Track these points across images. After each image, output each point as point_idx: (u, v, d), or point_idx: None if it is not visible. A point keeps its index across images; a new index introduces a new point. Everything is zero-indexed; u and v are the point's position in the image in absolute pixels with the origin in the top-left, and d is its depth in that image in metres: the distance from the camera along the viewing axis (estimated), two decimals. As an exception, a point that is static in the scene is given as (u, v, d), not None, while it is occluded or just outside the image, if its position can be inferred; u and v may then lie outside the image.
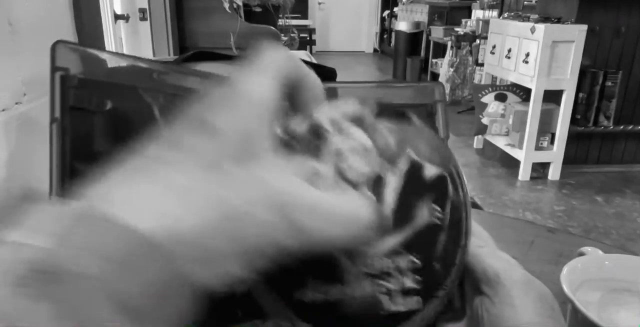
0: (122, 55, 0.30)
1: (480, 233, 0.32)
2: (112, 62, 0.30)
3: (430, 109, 0.35)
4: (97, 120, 0.29)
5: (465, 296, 0.33)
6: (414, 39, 6.17)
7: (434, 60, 5.62)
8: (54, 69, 0.27)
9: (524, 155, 2.90)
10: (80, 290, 0.15)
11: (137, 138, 0.25)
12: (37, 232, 0.16)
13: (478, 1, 4.71)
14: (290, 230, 0.20)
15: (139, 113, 0.30)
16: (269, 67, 0.23)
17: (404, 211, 0.26)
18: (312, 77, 0.24)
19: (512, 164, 3.07)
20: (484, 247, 0.31)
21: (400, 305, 0.26)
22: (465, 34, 4.64)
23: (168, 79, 0.31)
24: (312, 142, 0.23)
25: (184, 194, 0.19)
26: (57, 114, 0.27)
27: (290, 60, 0.23)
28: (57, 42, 0.27)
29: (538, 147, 2.90)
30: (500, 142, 3.12)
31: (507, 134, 3.11)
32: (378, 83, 0.36)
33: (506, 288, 0.29)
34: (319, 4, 8.57)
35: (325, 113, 0.24)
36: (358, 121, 0.25)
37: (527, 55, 2.79)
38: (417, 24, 6.22)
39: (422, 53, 6.17)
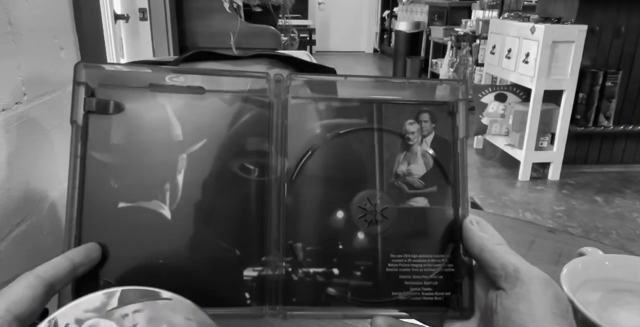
0: (136, 65, 0.34)
1: (493, 233, 0.33)
2: (127, 71, 0.34)
3: (452, 107, 0.36)
4: (115, 120, 0.33)
5: (474, 296, 0.33)
6: (414, 39, 6.17)
7: (434, 61, 5.62)
8: (75, 83, 0.33)
9: (524, 156, 2.90)
10: None
11: (152, 132, 0.33)
12: None
13: (478, 1, 4.71)
14: None
15: (153, 112, 0.33)
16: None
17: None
18: None
19: (512, 164, 3.07)
20: (502, 245, 0.31)
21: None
22: (465, 34, 4.64)
23: (179, 80, 0.34)
24: None
25: None
26: (76, 118, 0.32)
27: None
28: (78, 62, 0.33)
29: (538, 147, 2.90)
30: (500, 142, 3.12)
31: (507, 134, 3.10)
32: (401, 79, 0.36)
33: (525, 283, 0.29)
34: (319, 4, 8.57)
35: (68, 313, 0.26)
36: (102, 312, 0.27)
37: (527, 55, 2.79)
38: (417, 24, 6.22)
39: (422, 53, 6.16)
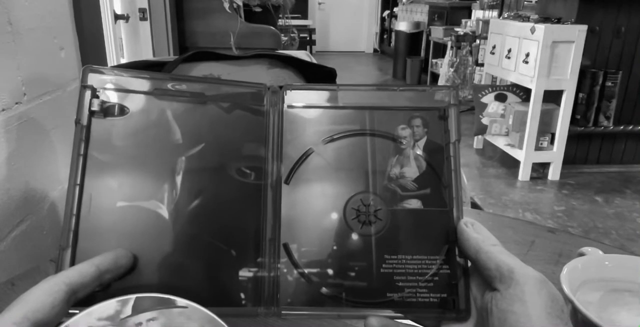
0: (141, 72, 0.35)
1: (488, 235, 0.33)
2: (133, 76, 0.35)
3: (443, 112, 0.36)
4: (117, 122, 0.34)
5: (470, 298, 0.33)
6: (414, 39, 6.17)
7: (434, 61, 5.62)
8: (81, 86, 0.34)
9: (524, 156, 2.90)
10: None
11: (153, 135, 0.34)
12: None
13: (478, 1, 4.71)
14: None
15: (154, 116, 0.35)
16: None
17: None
18: None
19: (512, 164, 3.07)
20: (497, 246, 0.31)
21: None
22: (465, 34, 4.64)
23: (180, 86, 0.35)
24: None
25: None
26: (81, 118, 0.33)
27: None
28: (86, 66, 0.34)
29: (538, 148, 2.90)
30: (500, 142, 3.12)
31: (507, 134, 3.10)
32: (393, 86, 0.37)
33: (519, 284, 0.29)
34: (319, 4, 8.57)
35: (80, 321, 0.26)
36: (115, 320, 0.26)
37: (527, 55, 2.79)
38: (417, 24, 6.22)
39: (422, 53, 6.16)
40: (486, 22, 3.93)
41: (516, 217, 2.26)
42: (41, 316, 0.25)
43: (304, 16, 7.84)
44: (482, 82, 3.51)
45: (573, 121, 2.85)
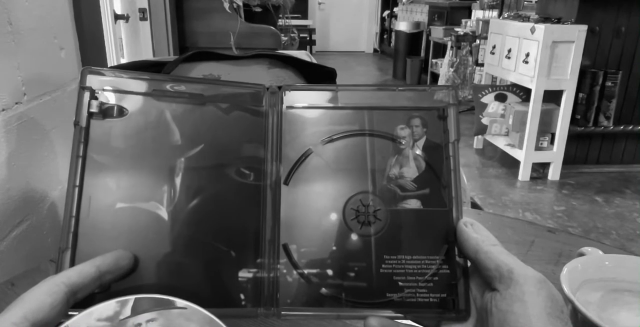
0: (139, 73, 0.35)
1: (488, 235, 0.33)
2: (131, 77, 0.35)
3: (442, 112, 0.36)
4: (116, 124, 0.34)
5: (469, 298, 0.33)
6: (414, 39, 6.17)
7: (434, 61, 5.61)
8: (80, 87, 0.34)
9: (524, 156, 2.90)
10: None
11: (152, 137, 0.34)
12: None
13: (478, 1, 4.70)
14: None
15: (153, 117, 0.34)
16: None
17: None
18: None
19: (512, 164, 3.07)
20: (496, 246, 0.31)
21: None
22: (465, 34, 4.64)
23: (179, 87, 0.35)
24: None
25: None
26: (80, 119, 0.33)
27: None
28: (85, 68, 0.34)
29: (538, 148, 2.90)
30: (500, 142, 3.12)
31: (507, 134, 3.10)
32: (392, 86, 0.37)
33: (519, 284, 0.29)
34: (319, 4, 8.57)
35: (80, 321, 0.26)
36: (114, 321, 0.27)
37: (527, 55, 2.79)
38: (417, 24, 6.22)
39: (422, 53, 6.16)
40: (486, 22, 3.93)
41: (516, 217, 2.26)
42: (40, 316, 0.25)
43: (304, 16, 7.84)
44: (482, 82, 3.51)
45: (573, 121, 2.85)
